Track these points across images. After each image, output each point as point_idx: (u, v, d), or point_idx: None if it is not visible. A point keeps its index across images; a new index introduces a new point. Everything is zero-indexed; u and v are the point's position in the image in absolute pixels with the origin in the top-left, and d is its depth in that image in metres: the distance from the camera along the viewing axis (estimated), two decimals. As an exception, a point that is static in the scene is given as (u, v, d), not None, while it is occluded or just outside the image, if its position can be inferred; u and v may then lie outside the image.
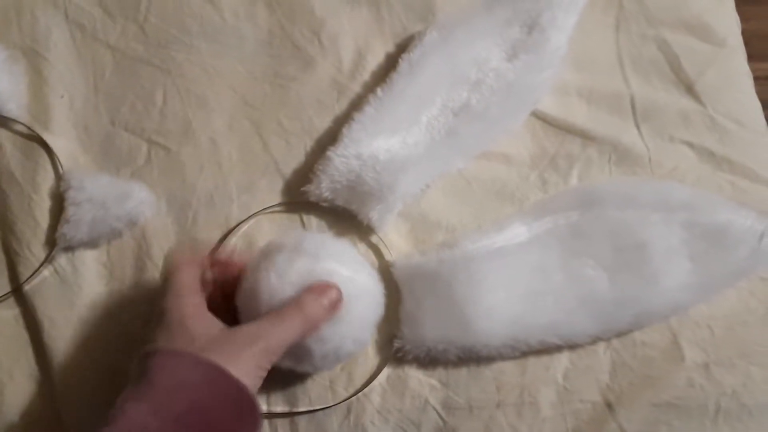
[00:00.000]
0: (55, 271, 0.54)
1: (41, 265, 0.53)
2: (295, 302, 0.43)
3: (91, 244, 0.54)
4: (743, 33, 0.66)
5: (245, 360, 0.40)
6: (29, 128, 0.57)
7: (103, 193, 0.53)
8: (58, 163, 0.56)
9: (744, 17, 0.68)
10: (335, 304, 0.44)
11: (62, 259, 0.54)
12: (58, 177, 0.56)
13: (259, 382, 0.41)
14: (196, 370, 0.39)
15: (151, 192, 0.55)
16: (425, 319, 0.50)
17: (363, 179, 0.52)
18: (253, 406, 0.40)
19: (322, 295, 0.44)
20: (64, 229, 0.53)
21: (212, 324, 0.43)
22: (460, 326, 0.49)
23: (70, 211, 0.53)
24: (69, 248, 0.54)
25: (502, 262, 0.51)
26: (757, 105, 0.62)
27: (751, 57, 0.66)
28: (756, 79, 0.65)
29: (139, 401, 0.38)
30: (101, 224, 0.53)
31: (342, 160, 0.53)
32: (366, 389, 0.52)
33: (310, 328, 0.43)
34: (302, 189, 0.54)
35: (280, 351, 0.42)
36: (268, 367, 0.42)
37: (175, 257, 0.47)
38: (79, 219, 0.53)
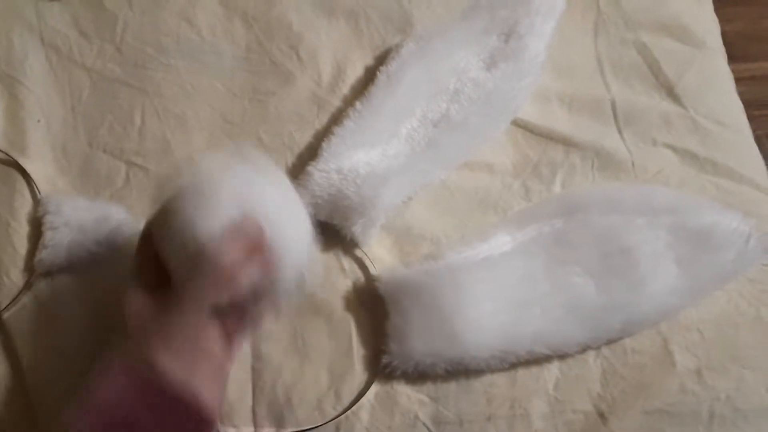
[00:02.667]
0: (35, 297, 0.53)
1: (20, 292, 0.52)
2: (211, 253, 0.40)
3: (70, 268, 0.53)
4: (726, 34, 0.66)
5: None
6: (5, 153, 0.56)
7: (81, 217, 0.53)
8: (35, 188, 0.55)
9: (727, 18, 0.69)
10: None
11: (41, 285, 0.53)
12: (36, 202, 0.55)
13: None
14: None
15: (130, 214, 0.55)
16: (412, 333, 0.49)
17: (344, 193, 0.51)
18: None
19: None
20: (42, 255, 0.52)
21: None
22: (447, 339, 0.48)
23: (47, 236, 0.52)
24: (48, 274, 0.53)
25: (487, 272, 0.50)
26: (739, 105, 0.62)
27: (735, 58, 0.67)
28: (740, 79, 0.65)
29: None
30: (80, 248, 0.52)
31: (322, 174, 0.52)
32: (354, 407, 0.51)
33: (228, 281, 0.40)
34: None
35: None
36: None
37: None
38: (57, 244, 0.52)
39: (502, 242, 0.52)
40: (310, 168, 0.53)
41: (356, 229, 0.52)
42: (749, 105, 0.63)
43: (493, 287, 0.50)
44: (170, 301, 0.41)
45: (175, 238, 0.41)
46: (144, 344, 0.39)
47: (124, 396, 0.38)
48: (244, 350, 0.52)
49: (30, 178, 0.55)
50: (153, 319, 0.40)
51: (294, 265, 0.44)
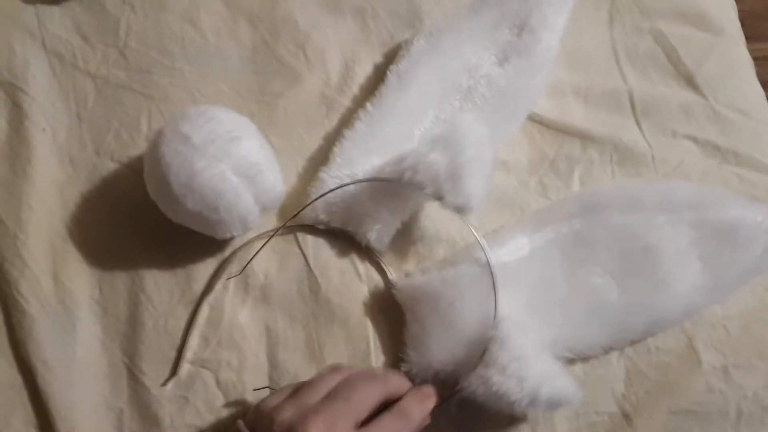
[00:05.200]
0: (45, 310, 0.52)
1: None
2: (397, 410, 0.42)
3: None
4: (738, 14, 0.64)
5: None
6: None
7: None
8: (43, 200, 0.54)
9: (738, -1, 0.66)
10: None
11: (53, 299, 0.52)
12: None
13: None
14: None
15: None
16: (430, 342, 0.48)
17: (359, 200, 0.50)
18: None
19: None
20: None
21: None
22: (466, 347, 0.47)
23: None
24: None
25: (504, 278, 0.49)
26: (761, 93, 0.60)
27: (747, 38, 0.65)
28: (755, 60, 0.63)
29: None
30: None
31: (335, 181, 0.51)
32: (374, 415, 0.50)
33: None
34: (297, 212, 0.53)
35: None
36: None
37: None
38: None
39: (519, 245, 0.51)
40: (322, 174, 0.52)
41: (371, 236, 0.51)
42: (764, 85, 0.62)
43: (511, 293, 0.49)
44: None
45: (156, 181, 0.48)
46: None
47: None
48: (260, 359, 0.51)
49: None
50: None
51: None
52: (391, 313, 0.52)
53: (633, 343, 0.51)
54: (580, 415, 0.50)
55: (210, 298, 0.52)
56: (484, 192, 0.47)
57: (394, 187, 0.49)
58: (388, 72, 0.55)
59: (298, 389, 0.42)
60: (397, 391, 0.44)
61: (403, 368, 0.49)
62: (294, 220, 0.53)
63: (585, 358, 0.51)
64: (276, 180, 0.50)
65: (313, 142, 0.57)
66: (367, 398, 0.41)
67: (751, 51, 0.63)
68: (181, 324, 0.52)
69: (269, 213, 0.53)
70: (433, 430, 0.49)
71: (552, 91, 0.58)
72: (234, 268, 0.53)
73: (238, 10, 0.61)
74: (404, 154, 0.49)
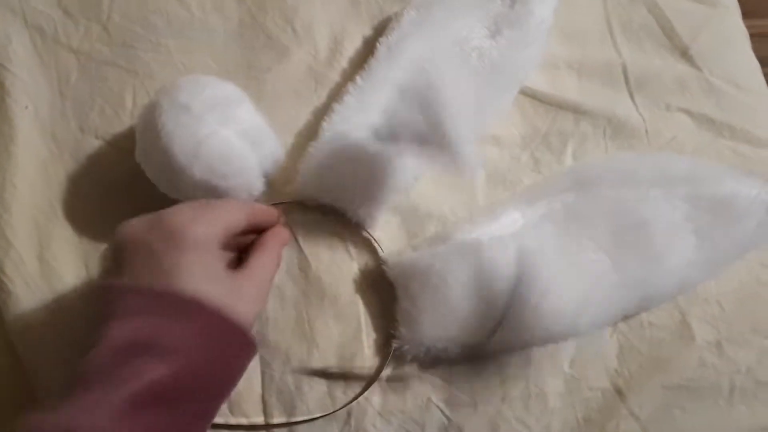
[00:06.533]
0: (31, 291, 0.51)
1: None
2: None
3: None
4: (736, -10, 0.63)
5: None
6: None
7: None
8: (26, 178, 0.53)
9: (734, -28, 0.65)
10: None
11: (38, 279, 0.51)
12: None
13: None
14: None
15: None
16: (422, 318, 0.47)
17: (349, 176, 0.49)
18: None
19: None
20: None
21: None
22: (458, 323, 0.47)
23: None
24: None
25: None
26: (756, 65, 0.59)
27: (746, 14, 0.64)
28: (751, 36, 0.62)
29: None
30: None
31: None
32: (366, 392, 0.50)
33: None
34: (287, 189, 0.52)
35: None
36: None
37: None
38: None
39: (511, 220, 0.50)
40: (311, 149, 0.51)
41: (362, 212, 0.50)
42: (763, 62, 0.61)
43: (504, 268, 0.48)
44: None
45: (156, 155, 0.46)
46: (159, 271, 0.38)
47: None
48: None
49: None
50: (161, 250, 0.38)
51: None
52: (382, 290, 0.51)
53: (626, 318, 0.51)
54: (573, 391, 0.50)
55: (198, 277, 0.51)
56: (470, 133, 0.47)
57: (385, 163, 0.49)
58: (377, 44, 0.54)
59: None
60: (263, 218, 0.44)
61: (394, 345, 0.49)
62: (284, 197, 0.52)
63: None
64: (276, 145, 0.50)
65: (302, 118, 0.56)
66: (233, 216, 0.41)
67: (750, 27, 0.63)
68: (169, 303, 0.51)
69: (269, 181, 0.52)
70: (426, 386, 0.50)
71: (545, 64, 0.57)
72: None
73: (223, -18, 0.60)
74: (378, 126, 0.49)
